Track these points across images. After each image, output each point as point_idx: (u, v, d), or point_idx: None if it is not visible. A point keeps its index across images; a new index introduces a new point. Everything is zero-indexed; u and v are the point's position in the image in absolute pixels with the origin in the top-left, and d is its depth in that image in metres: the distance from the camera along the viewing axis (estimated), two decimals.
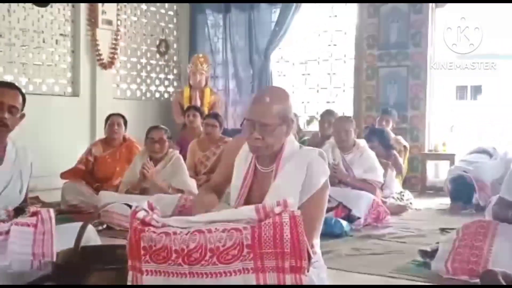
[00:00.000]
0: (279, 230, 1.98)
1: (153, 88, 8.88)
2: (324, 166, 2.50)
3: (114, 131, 5.68)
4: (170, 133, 5.13)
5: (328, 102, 8.49)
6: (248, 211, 2.07)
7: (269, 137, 2.43)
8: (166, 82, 9.09)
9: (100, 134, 6.89)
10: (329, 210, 4.52)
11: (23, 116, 3.07)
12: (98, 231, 3.62)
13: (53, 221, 2.52)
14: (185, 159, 5.31)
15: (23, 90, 3.09)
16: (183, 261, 2.00)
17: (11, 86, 3.05)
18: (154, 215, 2.14)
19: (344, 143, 5.16)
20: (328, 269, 2.69)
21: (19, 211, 2.89)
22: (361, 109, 7.97)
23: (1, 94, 2.95)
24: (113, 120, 5.70)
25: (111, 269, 2.81)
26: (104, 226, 4.47)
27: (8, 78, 6.73)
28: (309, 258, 2.03)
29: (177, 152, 5.13)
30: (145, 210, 2.16)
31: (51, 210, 2.54)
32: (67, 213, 5.09)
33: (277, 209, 2.02)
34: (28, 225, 2.45)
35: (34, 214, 2.52)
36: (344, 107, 8.22)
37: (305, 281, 1.97)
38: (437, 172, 7.66)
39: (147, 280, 2.05)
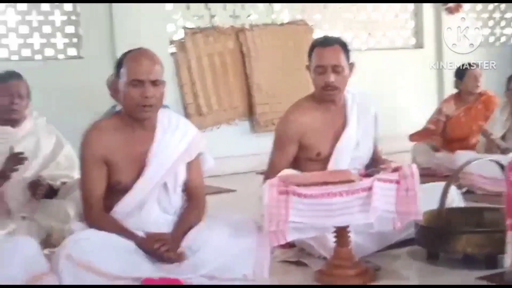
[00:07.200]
0: None
1: (508, 31, 8.58)
2: None
3: (477, 85, 5.64)
4: None
5: None
6: None
7: None
8: None
9: (448, 90, 7.00)
10: None
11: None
12: None
13: (417, 177, 2.74)
14: None
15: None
16: None
17: None
18: None
19: None
20: None
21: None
22: None
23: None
24: (473, 73, 5.64)
25: (480, 232, 2.96)
26: (464, 189, 4.56)
27: (348, 36, 7.21)
28: None
29: None
30: None
31: (414, 165, 2.77)
32: (420, 176, 5.34)
33: None
34: (391, 181, 2.70)
35: (395, 170, 2.77)
36: None
37: None
38: None
39: None
